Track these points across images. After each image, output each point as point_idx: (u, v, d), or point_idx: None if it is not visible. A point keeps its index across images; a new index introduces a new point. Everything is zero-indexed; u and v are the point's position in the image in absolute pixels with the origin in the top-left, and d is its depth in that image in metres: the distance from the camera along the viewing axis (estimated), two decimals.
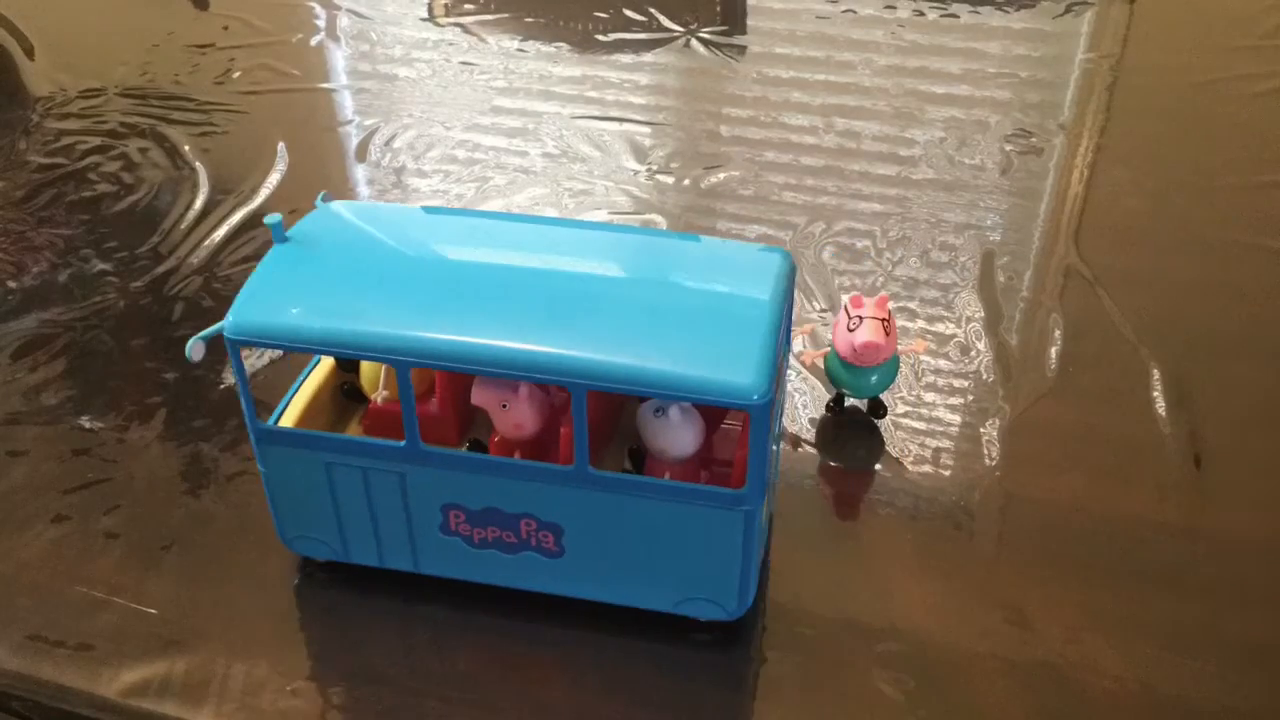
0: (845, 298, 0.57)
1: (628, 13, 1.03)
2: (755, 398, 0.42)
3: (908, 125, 0.86)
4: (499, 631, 0.50)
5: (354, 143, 0.85)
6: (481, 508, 0.47)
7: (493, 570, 0.49)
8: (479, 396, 0.47)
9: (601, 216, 0.76)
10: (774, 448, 0.49)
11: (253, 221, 0.76)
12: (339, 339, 0.44)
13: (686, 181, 0.80)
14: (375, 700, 0.47)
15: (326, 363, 0.53)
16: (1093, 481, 0.57)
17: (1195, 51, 0.95)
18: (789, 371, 0.62)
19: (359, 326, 0.44)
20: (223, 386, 0.62)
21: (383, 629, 0.50)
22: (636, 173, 0.81)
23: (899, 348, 0.58)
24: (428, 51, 0.98)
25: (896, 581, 0.52)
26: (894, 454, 0.58)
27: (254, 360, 0.64)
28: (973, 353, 0.65)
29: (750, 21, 1.03)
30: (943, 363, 0.64)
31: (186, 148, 0.85)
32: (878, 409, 0.60)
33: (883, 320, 0.55)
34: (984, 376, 0.63)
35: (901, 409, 0.61)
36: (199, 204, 0.78)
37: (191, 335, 0.45)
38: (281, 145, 0.84)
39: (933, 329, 0.66)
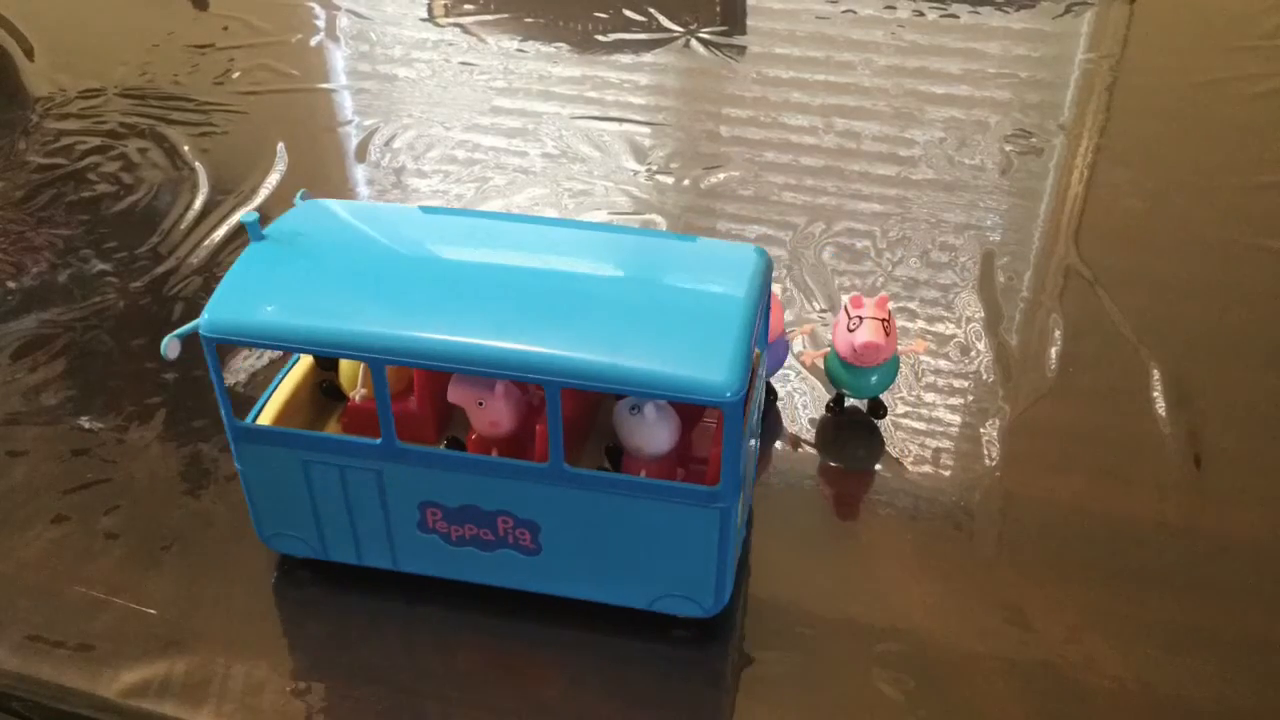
0: (845, 298, 0.57)
1: (628, 13, 1.03)
2: (728, 395, 0.42)
3: (908, 125, 0.86)
4: (499, 631, 0.50)
5: (354, 143, 0.85)
6: (458, 505, 0.47)
7: (470, 568, 0.49)
8: (456, 394, 0.48)
9: (601, 217, 0.76)
10: (751, 444, 0.49)
11: None
12: (314, 336, 0.45)
13: (686, 182, 0.80)
14: (375, 700, 0.47)
15: (305, 361, 0.53)
16: (1093, 481, 0.57)
17: (1195, 51, 0.95)
18: (788, 372, 0.62)
19: (334, 324, 0.44)
20: None
21: (383, 629, 0.50)
22: (636, 173, 0.81)
23: (899, 348, 0.58)
24: (427, 52, 0.98)
25: (896, 581, 0.52)
26: (894, 454, 0.58)
27: (253, 360, 0.64)
28: (973, 353, 0.65)
29: (750, 21, 1.03)
30: (943, 363, 0.64)
31: (186, 148, 0.85)
32: (878, 409, 0.60)
33: (883, 320, 0.55)
34: (984, 377, 0.63)
35: (901, 409, 0.61)
36: (198, 204, 0.78)
37: None
38: (281, 145, 0.84)
39: (933, 329, 0.66)
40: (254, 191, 0.80)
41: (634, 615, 0.49)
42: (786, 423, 0.60)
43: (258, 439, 0.48)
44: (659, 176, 0.81)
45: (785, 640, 0.49)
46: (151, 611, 0.51)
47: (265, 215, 0.48)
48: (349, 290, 0.45)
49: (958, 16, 1.01)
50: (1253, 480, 0.57)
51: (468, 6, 1.06)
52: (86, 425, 0.60)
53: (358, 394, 0.52)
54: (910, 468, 0.57)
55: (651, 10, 1.03)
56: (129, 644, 0.49)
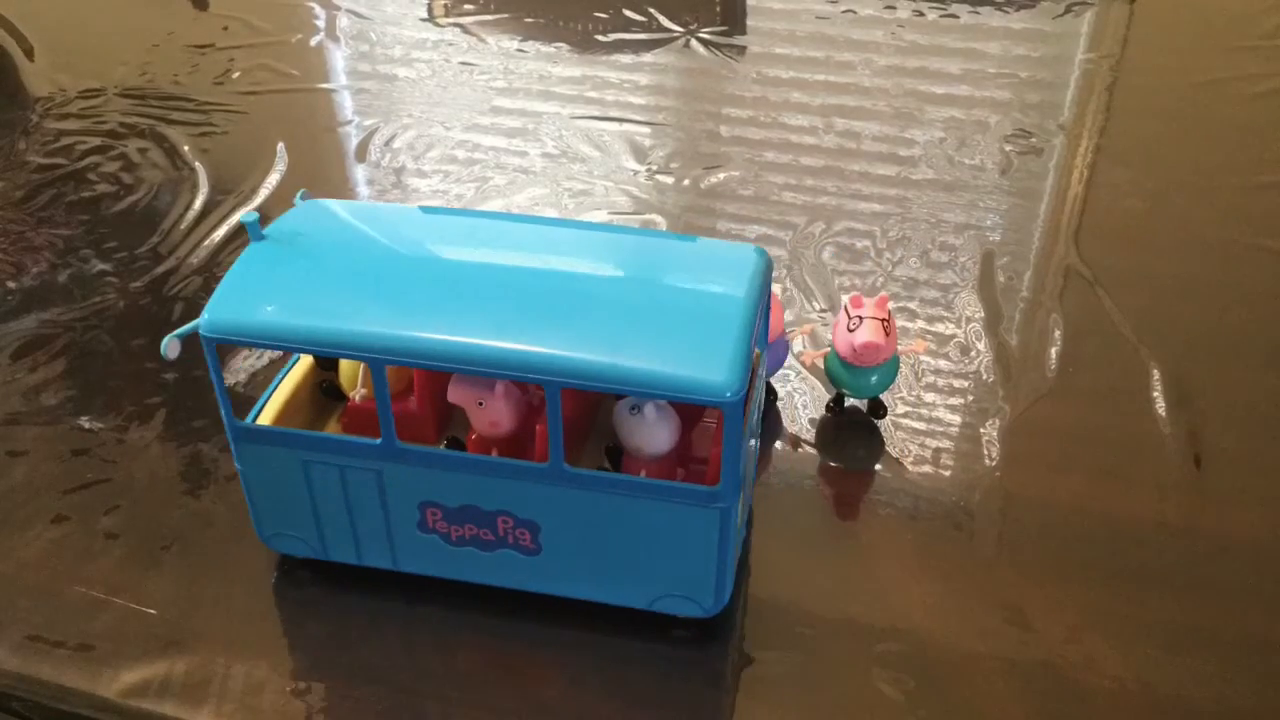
0: (845, 298, 0.57)
1: (628, 13, 1.03)
2: (728, 395, 0.42)
3: (907, 125, 0.86)
4: (499, 631, 0.50)
5: (354, 143, 0.85)
6: (458, 505, 0.47)
7: (470, 568, 0.49)
8: (456, 394, 0.48)
9: (601, 217, 0.76)
10: (751, 444, 0.49)
11: None
12: (314, 336, 0.45)
13: (686, 182, 0.80)
14: (375, 700, 0.47)
15: (305, 361, 0.53)
16: (1093, 481, 0.57)
17: (1195, 51, 0.95)
18: (788, 372, 0.62)
19: (334, 324, 0.44)
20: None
21: (383, 629, 0.50)
22: (636, 173, 0.81)
23: (899, 348, 0.58)
24: (427, 52, 0.98)
25: (896, 581, 0.52)
26: (894, 454, 0.58)
27: (253, 360, 0.64)
28: (973, 353, 0.65)
29: (750, 22, 1.03)
30: (943, 363, 0.64)
31: (186, 148, 0.85)
32: (878, 409, 0.60)
33: (883, 320, 0.55)
34: (984, 377, 0.63)
35: (901, 409, 0.61)
36: (198, 204, 0.78)
37: None
38: (281, 145, 0.84)
39: (933, 329, 0.66)
40: (254, 191, 0.80)
41: (634, 615, 0.49)
42: (786, 423, 0.60)
43: (258, 439, 0.48)
44: (659, 176, 0.81)
45: (785, 640, 0.49)
46: (151, 611, 0.51)
47: (265, 215, 0.48)
48: (349, 290, 0.45)
49: (958, 16, 1.01)
50: (1253, 480, 0.57)
51: (468, 6, 1.06)
52: (86, 425, 0.60)
53: (358, 394, 0.52)
54: (910, 468, 0.57)
55: (651, 10, 1.03)
56: (129, 644, 0.49)
